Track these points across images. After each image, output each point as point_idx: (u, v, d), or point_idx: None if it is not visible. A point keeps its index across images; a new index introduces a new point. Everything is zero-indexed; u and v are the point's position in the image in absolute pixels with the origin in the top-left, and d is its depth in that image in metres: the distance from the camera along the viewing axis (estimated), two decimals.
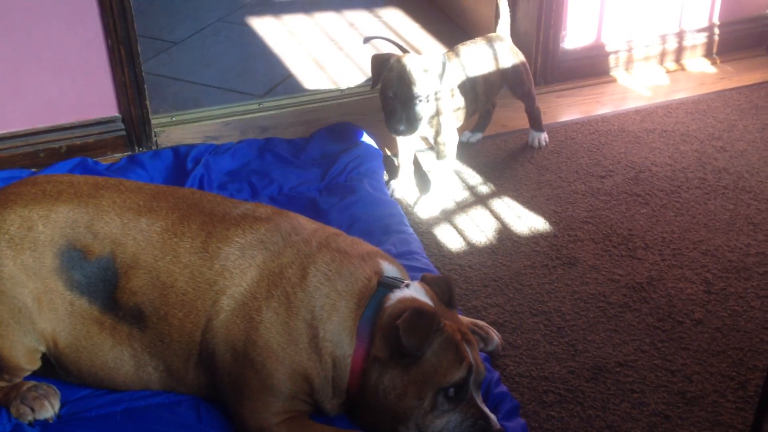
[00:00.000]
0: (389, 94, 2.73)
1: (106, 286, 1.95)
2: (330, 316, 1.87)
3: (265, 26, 4.37)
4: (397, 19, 4.43)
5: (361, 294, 1.90)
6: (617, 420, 2.06)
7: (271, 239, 1.96)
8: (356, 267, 1.93)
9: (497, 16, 3.19)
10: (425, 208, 2.85)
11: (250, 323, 1.88)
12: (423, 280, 2.00)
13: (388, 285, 1.92)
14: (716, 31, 3.87)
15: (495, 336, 2.23)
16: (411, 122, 2.72)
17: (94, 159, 3.05)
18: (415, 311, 1.81)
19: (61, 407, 2.02)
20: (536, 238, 2.72)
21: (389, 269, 1.98)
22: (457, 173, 3.07)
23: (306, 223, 2.04)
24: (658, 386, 2.15)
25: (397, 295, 1.90)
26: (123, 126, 3.15)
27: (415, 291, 1.92)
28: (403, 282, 1.95)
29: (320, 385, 1.89)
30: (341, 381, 1.89)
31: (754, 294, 2.46)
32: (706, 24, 3.84)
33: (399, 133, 2.75)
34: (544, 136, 3.20)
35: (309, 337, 1.87)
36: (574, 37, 3.67)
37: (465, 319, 2.26)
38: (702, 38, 3.86)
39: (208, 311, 1.91)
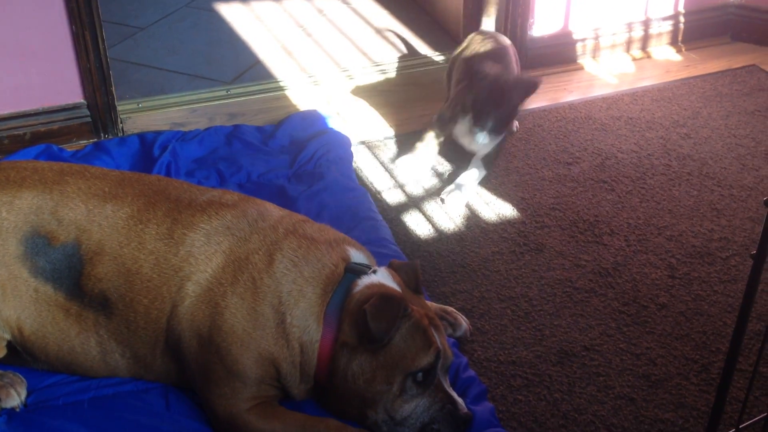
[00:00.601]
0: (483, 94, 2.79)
1: (71, 273, 1.93)
2: (297, 302, 1.87)
3: (232, 12, 4.34)
4: (366, 6, 4.42)
5: (328, 280, 1.90)
6: (583, 403, 2.09)
7: (238, 225, 1.95)
8: (323, 253, 1.93)
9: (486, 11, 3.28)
10: (455, 200, 2.82)
11: (216, 309, 1.88)
12: (390, 266, 2.01)
13: (355, 271, 1.92)
14: (681, 19, 3.91)
15: (463, 322, 2.25)
16: (499, 131, 2.86)
17: (59, 146, 3.01)
18: (382, 296, 1.82)
19: (28, 395, 2.00)
20: (504, 225, 2.74)
21: (356, 255, 1.98)
22: (426, 160, 3.08)
23: (273, 210, 2.04)
24: (623, 369, 2.19)
25: (365, 281, 1.90)
26: (88, 112, 3.11)
27: (382, 277, 1.93)
28: (371, 268, 1.95)
29: (288, 370, 1.90)
30: (309, 367, 1.89)
31: (717, 278, 2.50)
32: (671, 12, 3.88)
33: (482, 135, 2.85)
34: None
35: (276, 322, 1.87)
36: (541, 25, 3.69)
37: (433, 305, 2.27)
38: (667, 26, 3.90)
39: (174, 297, 1.90)
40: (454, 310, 2.29)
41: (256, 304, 1.87)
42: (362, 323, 1.81)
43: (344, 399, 1.88)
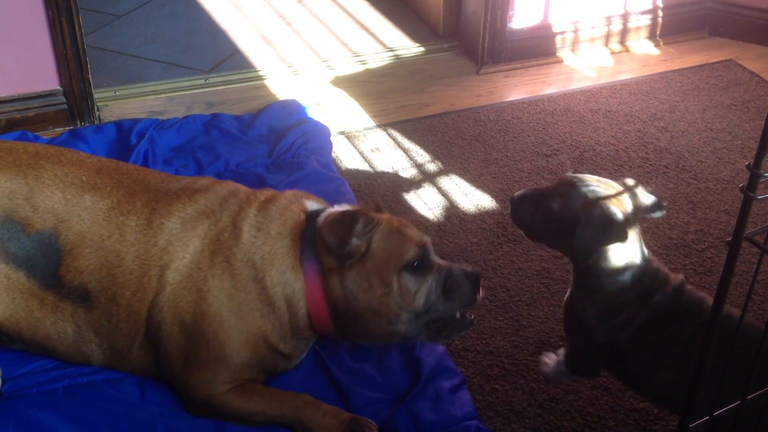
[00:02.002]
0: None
1: (47, 263, 1.91)
2: (271, 262, 1.89)
3: (211, 1, 4.31)
4: None
5: (294, 231, 1.92)
6: (559, 392, 2.10)
7: (210, 208, 1.96)
8: (283, 208, 1.95)
9: None
10: None
11: (199, 294, 1.88)
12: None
13: (316, 214, 1.96)
14: (660, 13, 3.93)
15: None
16: None
17: (35, 133, 2.98)
18: (334, 214, 1.89)
19: (3, 384, 1.98)
20: (483, 216, 2.74)
21: (314, 205, 2.02)
22: (405, 151, 3.08)
23: (243, 188, 2.06)
24: None
25: (326, 213, 1.94)
26: (64, 99, 3.08)
27: (340, 207, 1.97)
28: (327, 206, 2.00)
29: (277, 336, 1.92)
30: (297, 318, 1.91)
31: (693, 270, 2.52)
32: (650, 6, 3.91)
33: None
34: None
35: (257, 292, 1.88)
36: (521, 18, 3.69)
37: None
38: (646, 20, 3.92)
39: (155, 287, 1.89)
40: None
41: (235, 281, 1.88)
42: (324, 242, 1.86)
43: (360, 324, 1.90)
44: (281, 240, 1.91)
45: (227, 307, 1.88)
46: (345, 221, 1.86)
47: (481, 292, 1.93)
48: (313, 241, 1.90)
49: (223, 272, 1.88)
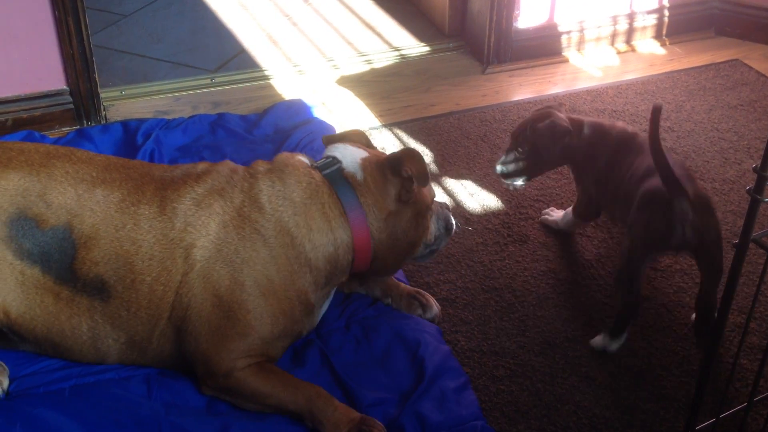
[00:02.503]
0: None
1: (62, 257, 1.93)
2: (309, 227, 1.98)
3: (217, 0, 4.31)
4: None
5: (319, 189, 2.01)
6: (565, 393, 2.10)
7: (220, 186, 2.01)
8: (293, 173, 2.02)
9: None
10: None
11: (232, 266, 1.93)
12: (331, 140, 2.20)
13: (327, 165, 2.06)
14: (666, 13, 3.92)
15: (434, 305, 2.29)
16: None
17: (42, 132, 2.99)
18: (405, 153, 2.04)
19: (10, 384, 1.99)
20: (488, 216, 2.74)
21: (306, 159, 2.10)
22: None
23: (238, 165, 2.12)
24: (605, 360, 2.20)
25: (349, 162, 2.06)
26: (71, 99, 3.09)
27: (356, 150, 2.10)
28: (331, 156, 2.09)
29: (313, 291, 2.02)
30: (340, 266, 2.04)
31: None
32: (656, 6, 3.90)
33: None
34: None
35: (295, 257, 1.97)
36: (527, 17, 3.69)
37: (406, 287, 2.32)
38: (652, 20, 3.91)
39: (181, 267, 1.93)
40: (426, 293, 2.32)
41: (271, 250, 1.95)
42: (401, 187, 2.03)
43: (397, 255, 2.11)
44: (315, 204, 1.99)
45: (264, 275, 1.93)
46: (421, 159, 2.02)
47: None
48: (350, 188, 2.02)
49: (254, 242, 1.94)
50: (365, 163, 2.06)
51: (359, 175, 2.04)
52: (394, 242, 2.07)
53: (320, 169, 2.06)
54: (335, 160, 2.07)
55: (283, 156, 2.10)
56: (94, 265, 1.93)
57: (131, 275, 1.94)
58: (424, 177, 2.02)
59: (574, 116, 2.50)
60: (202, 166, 2.10)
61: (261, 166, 2.08)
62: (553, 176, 2.94)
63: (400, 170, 2.01)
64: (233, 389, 1.96)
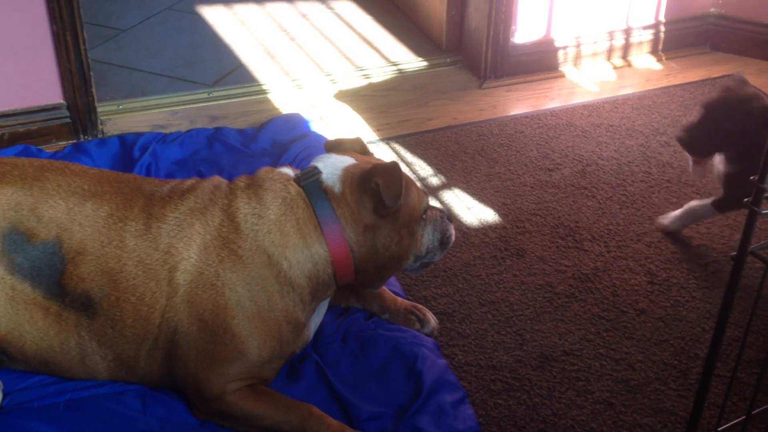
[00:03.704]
0: None
1: (51, 272, 1.91)
2: (285, 244, 1.91)
3: (215, 15, 4.33)
4: (350, 11, 4.42)
5: (294, 203, 1.95)
6: (562, 407, 2.09)
7: (202, 204, 1.97)
8: (270, 189, 1.97)
9: None
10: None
11: (214, 290, 1.89)
12: (328, 148, 2.14)
13: (306, 176, 1.99)
14: (662, 28, 3.94)
15: (431, 319, 2.27)
16: None
17: (38, 147, 2.99)
18: (379, 167, 1.94)
19: (4, 398, 1.97)
20: (485, 230, 2.74)
21: (290, 171, 2.05)
22: (408, 165, 3.08)
23: (224, 180, 2.08)
24: (602, 374, 2.19)
25: (334, 171, 1.98)
26: (68, 113, 3.09)
27: (343, 159, 2.02)
28: (314, 167, 2.01)
29: (300, 309, 1.97)
30: (322, 282, 1.97)
31: (696, 284, 2.52)
32: (652, 21, 3.92)
33: None
34: None
35: (274, 276, 1.91)
36: (524, 32, 3.71)
37: (404, 301, 2.30)
38: (648, 35, 3.93)
39: (166, 291, 1.90)
40: (424, 308, 2.31)
41: (249, 270, 1.90)
42: (378, 200, 1.93)
43: (382, 269, 2.03)
44: (289, 219, 1.93)
45: (246, 297, 1.90)
46: (396, 175, 1.92)
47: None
48: (326, 201, 1.95)
49: (234, 264, 1.90)
50: (346, 174, 1.97)
51: (337, 187, 1.96)
52: (374, 256, 1.99)
53: (301, 180, 1.99)
54: (316, 171, 2.00)
55: (264, 170, 2.04)
56: (81, 281, 1.91)
57: (116, 293, 1.91)
58: (394, 194, 1.90)
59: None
60: (189, 182, 2.06)
61: (242, 181, 2.02)
62: (550, 190, 2.94)
63: (371, 182, 1.93)
64: (225, 413, 1.92)
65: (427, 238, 2.10)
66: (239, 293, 1.89)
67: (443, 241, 2.14)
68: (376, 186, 1.91)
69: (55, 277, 1.91)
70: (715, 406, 2.06)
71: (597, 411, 2.09)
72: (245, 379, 1.92)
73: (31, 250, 1.91)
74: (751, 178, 1.41)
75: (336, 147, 2.13)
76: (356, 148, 2.14)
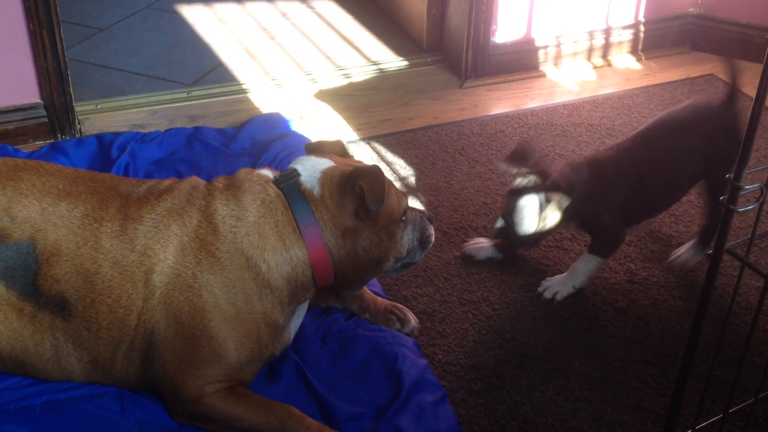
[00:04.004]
0: None
1: (25, 273, 1.89)
2: (263, 247, 1.90)
3: (194, 14, 4.30)
4: (330, 10, 4.41)
5: (273, 206, 1.93)
6: (542, 406, 2.09)
7: (179, 206, 1.95)
8: (248, 191, 1.95)
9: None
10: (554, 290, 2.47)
11: (191, 292, 1.87)
12: (309, 150, 2.12)
13: (285, 179, 1.98)
14: (642, 28, 3.96)
15: (412, 319, 2.27)
16: None
17: (15, 146, 2.95)
18: (362, 170, 1.93)
19: None
20: (466, 229, 2.74)
21: (269, 173, 2.03)
22: (389, 164, 3.08)
23: (201, 181, 2.06)
24: (582, 372, 2.20)
25: (308, 175, 1.97)
26: (45, 113, 3.06)
27: (321, 161, 2.01)
28: (293, 170, 2.00)
29: (278, 311, 1.95)
30: (301, 284, 1.96)
31: (675, 283, 2.53)
32: (632, 21, 3.93)
33: None
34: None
35: (252, 279, 1.89)
36: (504, 32, 3.71)
37: (384, 301, 2.30)
38: (628, 35, 3.95)
39: (142, 293, 1.88)
40: (404, 307, 2.31)
41: (227, 273, 1.88)
42: (360, 204, 1.93)
43: (362, 271, 2.02)
44: (267, 221, 1.91)
45: (224, 299, 1.88)
46: (379, 179, 1.92)
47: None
48: (306, 203, 1.94)
49: (212, 266, 1.88)
50: (325, 177, 1.96)
51: (316, 190, 1.95)
52: (354, 259, 1.98)
53: (279, 182, 1.99)
54: (295, 173, 1.98)
55: (243, 172, 2.02)
56: (55, 282, 1.89)
57: (91, 295, 1.89)
58: (378, 198, 1.90)
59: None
60: (166, 182, 2.04)
61: (220, 182, 2.01)
62: None
63: (354, 186, 1.92)
64: (203, 416, 1.91)
65: (406, 239, 2.09)
66: (217, 295, 1.88)
67: (423, 242, 2.13)
68: (361, 190, 1.90)
69: (29, 277, 1.89)
70: (693, 404, 2.07)
71: (577, 409, 2.09)
72: (223, 381, 1.91)
73: (5, 250, 1.89)
74: (727, 176, 1.41)
75: (316, 149, 2.12)
76: (336, 150, 2.13)
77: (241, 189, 1.96)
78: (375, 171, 1.93)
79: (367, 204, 1.91)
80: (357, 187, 1.91)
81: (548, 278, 2.49)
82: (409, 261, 2.13)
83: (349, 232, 1.96)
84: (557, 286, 2.45)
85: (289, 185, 1.96)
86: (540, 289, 2.46)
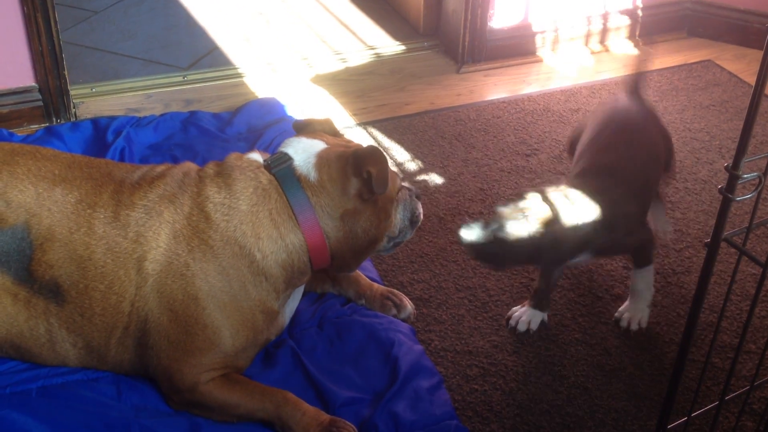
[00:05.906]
0: None
1: (20, 257, 1.89)
2: (258, 235, 1.89)
3: None
4: None
5: (266, 193, 1.91)
6: (538, 392, 2.10)
7: (171, 192, 1.94)
8: (239, 178, 1.93)
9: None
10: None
11: (184, 280, 1.86)
12: (298, 129, 2.10)
13: (277, 163, 1.95)
14: (639, 13, 3.94)
15: (408, 304, 2.28)
16: None
17: (10, 130, 2.94)
18: (369, 154, 1.91)
19: None
20: (462, 214, 2.74)
21: (256, 156, 2.00)
22: (385, 150, 3.07)
23: (193, 166, 2.04)
24: (578, 359, 2.20)
25: (301, 159, 1.94)
26: (40, 96, 3.04)
27: (314, 143, 1.98)
28: (284, 154, 1.97)
29: (273, 298, 1.95)
30: (297, 269, 1.95)
31: (671, 270, 2.53)
32: (630, 6, 3.92)
33: None
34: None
35: (247, 266, 1.88)
36: (501, 17, 3.69)
37: (380, 287, 2.30)
38: (626, 20, 3.93)
39: (135, 280, 1.88)
40: (400, 293, 2.31)
41: (220, 261, 1.87)
42: (366, 187, 1.92)
43: (358, 253, 2.02)
44: (262, 209, 1.90)
45: (218, 287, 1.87)
46: (384, 162, 1.92)
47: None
48: (300, 187, 1.92)
49: (204, 254, 1.87)
50: (320, 159, 1.94)
51: (312, 173, 1.93)
52: (353, 240, 1.98)
53: (271, 166, 1.95)
54: (286, 157, 1.95)
55: (233, 157, 1.99)
56: (49, 268, 1.88)
57: (84, 281, 1.89)
58: (383, 182, 1.91)
59: None
60: (160, 168, 2.02)
61: (211, 168, 1.98)
62: (527, 176, 2.94)
63: (361, 170, 1.91)
64: (199, 403, 1.91)
65: (398, 218, 2.09)
66: (210, 283, 1.87)
67: (413, 220, 2.13)
68: (368, 175, 1.90)
69: (23, 262, 1.89)
70: (689, 390, 2.08)
71: (572, 395, 2.10)
72: (219, 369, 1.91)
73: (0, 235, 1.88)
74: (726, 165, 1.41)
75: (305, 128, 2.09)
76: (326, 129, 2.10)
77: (232, 176, 1.93)
78: (379, 154, 1.92)
79: (373, 187, 1.91)
80: (364, 172, 1.90)
81: (619, 310, 2.33)
82: (400, 240, 2.13)
83: (348, 214, 1.95)
84: (636, 314, 2.29)
85: (281, 170, 1.94)
86: (623, 323, 2.29)
